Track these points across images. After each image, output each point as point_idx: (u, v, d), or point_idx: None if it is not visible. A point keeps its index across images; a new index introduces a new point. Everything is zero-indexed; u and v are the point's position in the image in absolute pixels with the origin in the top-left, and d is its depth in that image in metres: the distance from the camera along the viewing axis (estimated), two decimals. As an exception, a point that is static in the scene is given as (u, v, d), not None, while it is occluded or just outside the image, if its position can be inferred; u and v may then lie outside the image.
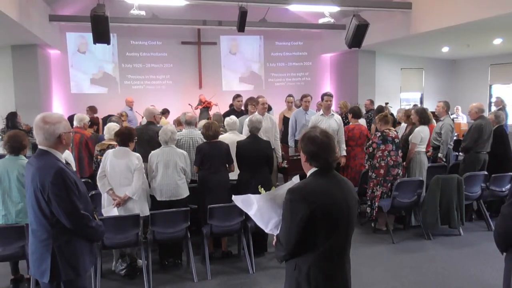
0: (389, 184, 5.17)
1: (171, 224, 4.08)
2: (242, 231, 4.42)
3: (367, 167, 5.45)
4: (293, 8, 9.35)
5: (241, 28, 8.22)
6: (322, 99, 6.15)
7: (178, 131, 4.93)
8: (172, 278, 4.23)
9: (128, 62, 11.89)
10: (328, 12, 9.11)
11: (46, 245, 2.35)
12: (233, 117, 5.39)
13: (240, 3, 7.72)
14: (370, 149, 5.26)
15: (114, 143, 4.46)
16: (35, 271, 2.40)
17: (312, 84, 13.13)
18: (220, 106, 10.29)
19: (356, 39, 8.38)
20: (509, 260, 2.39)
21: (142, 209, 4.14)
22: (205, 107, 10.82)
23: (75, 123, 5.69)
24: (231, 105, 7.49)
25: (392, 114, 7.63)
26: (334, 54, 13.00)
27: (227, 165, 4.66)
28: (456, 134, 8.01)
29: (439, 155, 6.05)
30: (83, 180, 4.09)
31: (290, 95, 7.64)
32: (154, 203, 4.42)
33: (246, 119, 5.06)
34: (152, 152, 4.46)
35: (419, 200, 5.22)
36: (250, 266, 4.31)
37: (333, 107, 6.45)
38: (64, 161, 2.47)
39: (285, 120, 7.13)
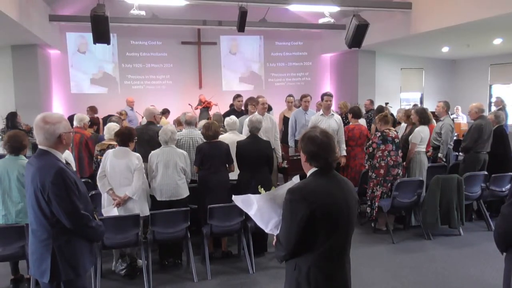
0: (389, 184, 5.17)
1: (171, 224, 4.08)
2: (242, 231, 4.42)
3: (367, 167, 5.45)
4: (293, 8, 9.34)
5: (241, 28, 8.22)
6: (322, 99, 6.15)
7: (178, 131, 4.93)
8: (172, 278, 4.23)
9: (128, 62, 11.89)
10: (328, 12, 9.11)
11: (46, 245, 2.35)
12: (233, 117, 5.39)
13: (240, 3, 7.72)
14: (370, 149, 5.26)
15: (114, 143, 4.46)
16: (35, 271, 2.41)
17: (312, 84, 13.12)
18: (220, 106, 10.28)
19: (356, 39, 8.38)
20: (509, 260, 2.39)
21: (142, 209, 4.14)
22: (205, 107, 10.82)
23: (75, 123, 5.69)
24: (231, 105, 7.49)
25: (392, 114, 7.62)
26: (334, 54, 12.99)
27: (227, 165, 4.66)
28: (456, 134, 8.01)
29: (439, 155, 6.05)
30: (83, 180, 4.09)
31: (290, 95, 7.64)
32: (154, 203, 4.42)
33: (246, 119, 5.06)
34: (152, 152, 4.46)
35: (419, 200, 5.22)
36: (250, 266, 4.31)
37: (333, 107, 6.45)
38: (64, 161, 2.47)
39: (285, 120, 7.13)
